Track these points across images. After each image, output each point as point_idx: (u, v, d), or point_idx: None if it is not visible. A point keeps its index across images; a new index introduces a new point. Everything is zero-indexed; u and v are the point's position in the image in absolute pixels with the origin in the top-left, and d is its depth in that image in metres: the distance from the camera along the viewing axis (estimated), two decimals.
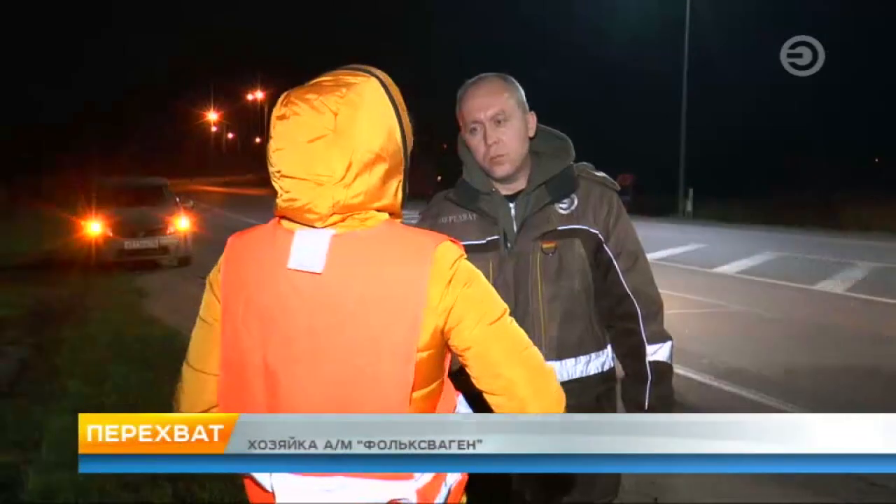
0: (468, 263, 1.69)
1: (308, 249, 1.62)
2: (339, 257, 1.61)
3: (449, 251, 1.65)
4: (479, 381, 1.68)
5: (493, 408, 1.69)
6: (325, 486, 1.61)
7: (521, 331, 1.71)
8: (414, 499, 1.63)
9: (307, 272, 1.61)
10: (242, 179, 72.83)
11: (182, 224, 15.91)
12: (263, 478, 1.66)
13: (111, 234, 15.19)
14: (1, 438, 5.50)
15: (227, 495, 4.50)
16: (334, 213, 1.61)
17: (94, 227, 15.30)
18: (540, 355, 1.71)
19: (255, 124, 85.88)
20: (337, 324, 1.60)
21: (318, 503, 1.62)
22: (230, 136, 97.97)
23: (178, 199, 17.04)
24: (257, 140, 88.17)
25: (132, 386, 6.82)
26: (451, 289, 1.63)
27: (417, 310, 1.60)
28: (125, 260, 15.18)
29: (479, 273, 1.71)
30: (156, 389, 6.72)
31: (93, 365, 7.53)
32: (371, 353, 1.60)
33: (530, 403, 1.65)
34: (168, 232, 15.65)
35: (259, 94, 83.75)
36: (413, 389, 1.63)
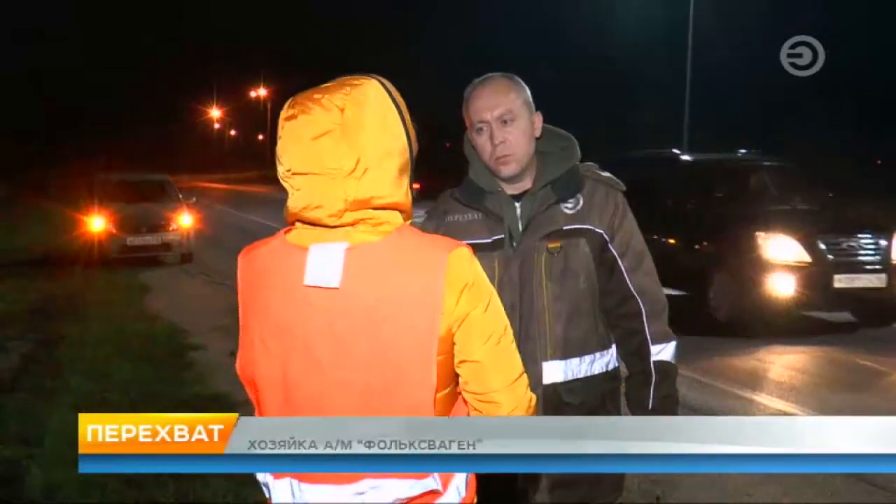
0: (482, 272, 1.71)
1: (323, 265, 1.63)
2: (355, 269, 1.63)
3: (462, 258, 1.67)
4: (466, 389, 1.72)
5: (470, 412, 1.74)
6: (357, 490, 1.63)
7: (516, 353, 1.75)
8: (439, 485, 1.66)
9: (324, 287, 1.63)
10: (245, 176, 72.82)
11: (185, 221, 15.93)
12: (285, 495, 1.68)
13: (114, 231, 15.21)
14: (3, 434, 5.51)
15: (229, 493, 4.50)
16: (346, 211, 1.62)
17: (97, 223, 15.32)
18: (527, 383, 1.75)
19: (258, 121, 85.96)
20: (357, 333, 1.62)
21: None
22: (233, 133, 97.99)
23: (180, 196, 17.06)
24: (260, 137, 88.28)
25: (134, 382, 6.82)
26: (464, 296, 1.65)
27: (435, 316, 1.62)
28: (128, 256, 15.20)
29: (490, 284, 1.74)
30: (158, 386, 6.74)
31: (95, 361, 7.54)
32: (393, 360, 1.62)
33: None
34: (171, 228, 15.67)
35: (262, 92, 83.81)
36: (436, 391, 1.65)
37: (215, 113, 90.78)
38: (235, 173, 75.24)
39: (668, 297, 2.65)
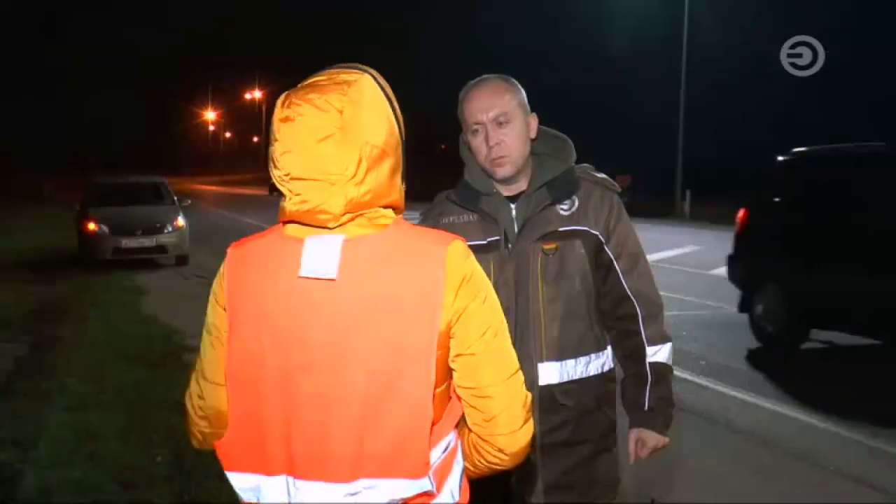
0: (478, 266, 1.71)
1: (320, 256, 1.61)
2: (352, 262, 1.61)
3: (460, 251, 1.66)
4: (460, 384, 1.69)
5: (464, 409, 1.71)
6: (350, 490, 1.61)
7: (512, 349, 1.73)
8: (434, 486, 1.64)
9: (320, 279, 1.61)
10: (240, 178, 72.81)
11: (180, 223, 15.90)
12: (279, 493, 1.66)
13: (109, 233, 15.17)
14: None
15: (224, 493, 4.49)
16: (346, 212, 1.61)
17: (92, 226, 15.29)
18: (523, 380, 1.73)
19: (253, 123, 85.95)
20: (354, 327, 1.60)
21: None
22: (228, 135, 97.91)
23: (175, 198, 17.04)
24: (255, 139, 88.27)
25: (130, 384, 6.81)
26: (462, 290, 1.64)
27: (434, 310, 1.61)
28: (123, 258, 15.16)
29: (487, 279, 1.72)
30: (154, 388, 6.73)
31: (90, 363, 7.53)
32: (392, 354, 1.60)
33: (499, 425, 1.68)
34: (166, 231, 15.64)
35: (257, 94, 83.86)
36: (433, 387, 1.63)
37: (210, 115, 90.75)
38: (230, 175, 75.20)
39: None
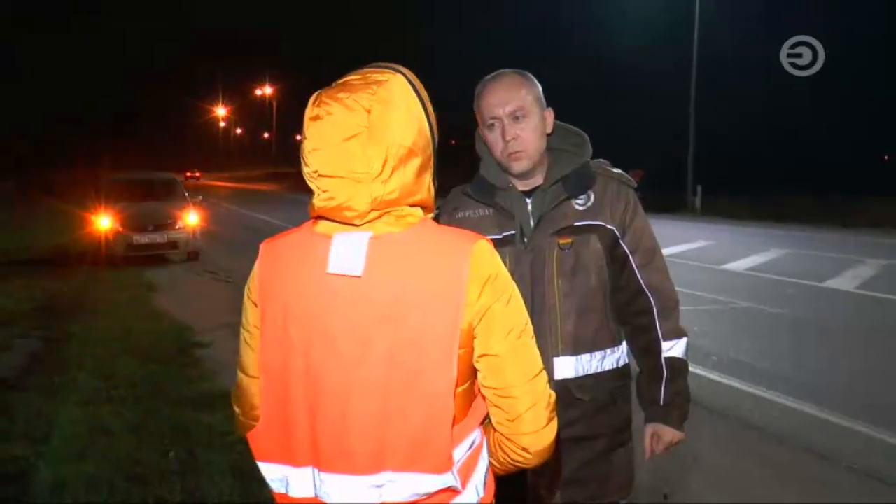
0: (503, 265, 1.71)
1: (347, 253, 1.63)
2: (378, 259, 1.63)
3: (486, 251, 1.67)
4: (484, 384, 1.70)
5: (489, 408, 1.72)
6: (375, 482, 1.62)
7: (536, 350, 1.73)
8: (458, 482, 1.65)
9: (347, 276, 1.63)
10: (250, 174, 73.04)
11: (191, 219, 15.95)
12: (305, 485, 1.68)
13: (120, 229, 15.23)
14: (10, 431, 5.51)
15: (235, 491, 4.49)
16: (372, 210, 1.62)
17: (104, 222, 15.35)
18: (546, 379, 1.73)
19: (264, 119, 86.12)
20: (378, 324, 1.62)
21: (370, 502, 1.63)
22: (238, 131, 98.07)
23: (186, 194, 17.09)
24: (265, 135, 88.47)
25: (141, 380, 6.83)
26: (486, 290, 1.64)
27: (458, 308, 1.62)
28: (134, 254, 15.22)
29: (512, 280, 1.72)
30: (165, 383, 6.74)
31: (102, 358, 7.55)
32: (414, 351, 1.61)
33: (523, 425, 1.68)
34: (177, 227, 15.69)
35: (268, 90, 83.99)
36: (455, 385, 1.64)
37: (221, 111, 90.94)
38: (241, 171, 75.42)
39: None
